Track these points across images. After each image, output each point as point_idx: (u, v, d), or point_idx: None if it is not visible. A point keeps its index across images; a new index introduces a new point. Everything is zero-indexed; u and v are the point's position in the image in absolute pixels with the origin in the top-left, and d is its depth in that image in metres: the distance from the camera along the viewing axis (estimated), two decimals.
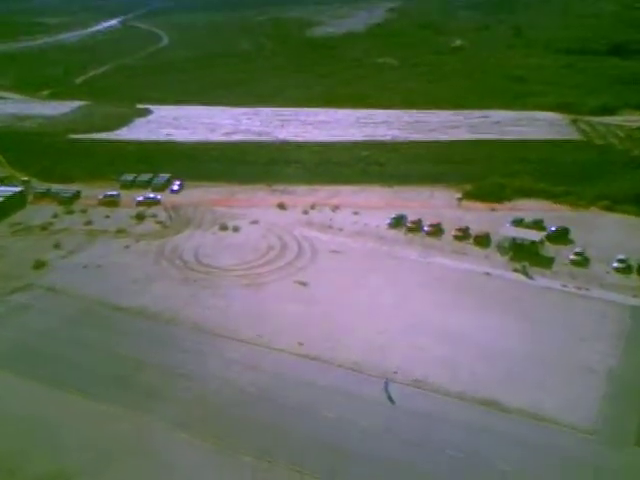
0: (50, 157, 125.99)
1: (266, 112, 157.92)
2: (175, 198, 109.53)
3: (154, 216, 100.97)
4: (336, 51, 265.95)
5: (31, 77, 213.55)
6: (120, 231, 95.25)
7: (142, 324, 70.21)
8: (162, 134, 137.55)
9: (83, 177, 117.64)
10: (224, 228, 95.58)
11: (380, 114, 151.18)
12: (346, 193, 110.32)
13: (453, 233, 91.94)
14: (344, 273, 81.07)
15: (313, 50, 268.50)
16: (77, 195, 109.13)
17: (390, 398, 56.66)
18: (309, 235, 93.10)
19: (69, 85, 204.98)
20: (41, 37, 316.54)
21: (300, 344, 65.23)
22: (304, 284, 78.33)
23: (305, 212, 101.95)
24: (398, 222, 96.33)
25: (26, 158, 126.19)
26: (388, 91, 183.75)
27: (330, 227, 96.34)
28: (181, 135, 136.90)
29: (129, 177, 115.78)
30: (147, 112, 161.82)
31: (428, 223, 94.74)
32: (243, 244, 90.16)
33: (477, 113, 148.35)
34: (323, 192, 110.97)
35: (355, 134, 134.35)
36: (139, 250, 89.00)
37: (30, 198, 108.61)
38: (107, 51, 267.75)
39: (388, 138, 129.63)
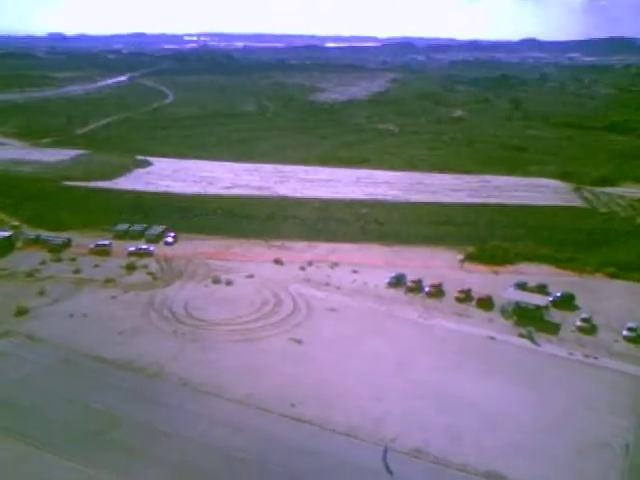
0: (43, 203, 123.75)
1: (266, 168, 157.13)
2: (168, 250, 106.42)
3: (145, 267, 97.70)
4: (338, 116, 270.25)
5: (33, 126, 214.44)
6: (109, 281, 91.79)
7: (125, 378, 65.83)
8: (160, 185, 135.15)
9: (76, 225, 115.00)
10: (217, 281, 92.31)
11: (381, 175, 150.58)
12: (345, 250, 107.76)
13: (455, 295, 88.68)
14: (341, 332, 77.33)
15: (315, 114, 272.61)
16: (68, 243, 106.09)
17: (388, 468, 51.98)
18: (305, 292, 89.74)
19: (70, 135, 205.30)
20: (47, 89, 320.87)
21: (292, 405, 60.94)
22: (299, 342, 74.47)
23: (302, 268, 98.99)
24: (398, 281, 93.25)
25: (18, 203, 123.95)
26: (389, 155, 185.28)
27: (327, 284, 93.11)
28: (179, 187, 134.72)
29: (123, 227, 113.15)
30: (147, 164, 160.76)
31: (429, 283, 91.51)
32: (236, 298, 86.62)
33: (478, 178, 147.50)
34: (321, 249, 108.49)
35: (355, 192, 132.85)
36: (127, 301, 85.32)
37: (19, 244, 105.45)
38: (111, 105, 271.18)
39: (389, 198, 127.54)
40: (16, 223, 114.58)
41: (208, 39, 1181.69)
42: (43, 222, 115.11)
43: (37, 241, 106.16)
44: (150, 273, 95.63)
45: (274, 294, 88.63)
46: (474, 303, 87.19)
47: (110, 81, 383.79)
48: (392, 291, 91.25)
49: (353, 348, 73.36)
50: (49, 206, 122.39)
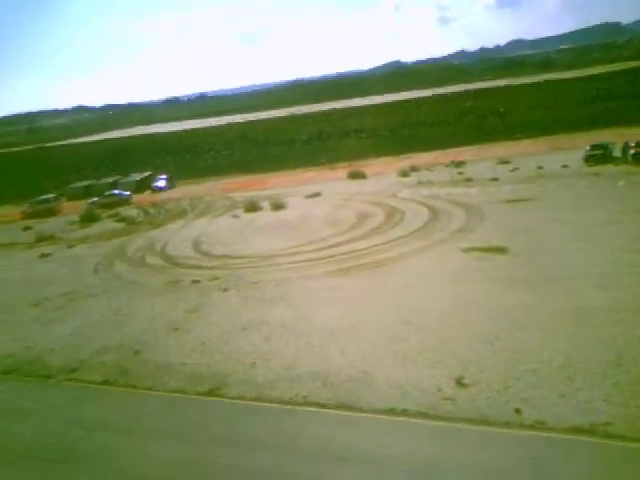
0: None
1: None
2: (159, 196, 60.88)
3: (115, 215, 51.95)
4: None
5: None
6: (43, 239, 45.83)
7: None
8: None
9: (7, 196, 69.55)
10: (253, 209, 46.51)
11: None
12: (458, 153, 61.36)
13: None
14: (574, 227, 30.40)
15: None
16: None
17: None
18: (438, 192, 43.34)
19: None
20: None
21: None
22: (500, 250, 27.41)
23: (404, 175, 52.94)
24: (604, 153, 46.87)
25: None
26: None
27: (470, 180, 46.84)
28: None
29: (80, 184, 67.82)
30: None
31: None
32: (300, 221, 40.88)
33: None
34: (417, 159, 62.13)
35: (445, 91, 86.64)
36: (70, 256, 39.29)
37: None
38: None
39: (500, 84, 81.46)
40: None
41: None
42: None
43: None
44: (123, 219, 50.07)
45: (377, 204, 42.38)
46: None
47: None
48: (600, 168, 44.49)
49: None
50: None
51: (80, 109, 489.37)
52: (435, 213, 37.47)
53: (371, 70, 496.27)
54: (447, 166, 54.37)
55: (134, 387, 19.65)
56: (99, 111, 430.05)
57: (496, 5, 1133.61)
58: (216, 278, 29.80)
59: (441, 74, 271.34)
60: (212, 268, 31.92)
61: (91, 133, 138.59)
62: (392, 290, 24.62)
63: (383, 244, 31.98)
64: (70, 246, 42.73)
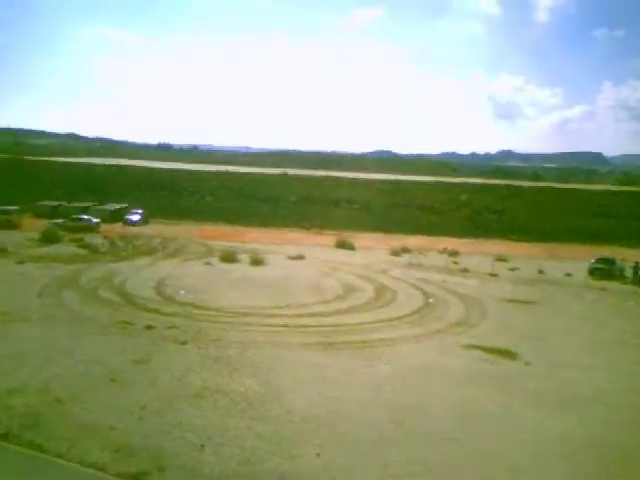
0: None
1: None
2: (131, 230, 56.62)
3: (78, 240, 47.37)
4: None
5: None
6: None
7: None
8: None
9: None
10: (230, 260, 42.43)
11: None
12: (451, 243, 58.42)
13: None
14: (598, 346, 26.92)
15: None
16: None
17: None
18: (431, 278, 39.86)
19: None
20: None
21: None
22: (508, 354, 24.00)
23: (395, 254, 49.89)
24: (610, 269, 44.31)
25: None
26: None
27: (466, 271, 43.58)
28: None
29: (50, 203, 63.40)
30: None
31: None
32: (278, 281, 36.87)
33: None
34: (407, 242, 58.84)
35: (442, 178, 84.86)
36: (16, 273, 34.73)
37: None
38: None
39: (498, 182, 79.91)
40: None
41: None
42: None
43: None
44: (85, 246, 45.49)
45: (366, 278, 38.82)
46: None
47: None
48: (608, 284, 41.71)
49: None
50: None
51: (72, 136, 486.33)
52: (426, 302, 33.74)
53: (362, 154, 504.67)
54: (441, 253, 51.45)
55: (40, 449, 14.93)
56: (90, 141, 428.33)
57: (493, 116, 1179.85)
58: (174, 327, 25.42)
59: (434, 169, 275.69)
60: (172, 315, 27.52)
61: (74, 155, 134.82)
62: (383, 380, 20.50)
63: (372, 322, 28.03)
64: (20, 262, 37.89)
